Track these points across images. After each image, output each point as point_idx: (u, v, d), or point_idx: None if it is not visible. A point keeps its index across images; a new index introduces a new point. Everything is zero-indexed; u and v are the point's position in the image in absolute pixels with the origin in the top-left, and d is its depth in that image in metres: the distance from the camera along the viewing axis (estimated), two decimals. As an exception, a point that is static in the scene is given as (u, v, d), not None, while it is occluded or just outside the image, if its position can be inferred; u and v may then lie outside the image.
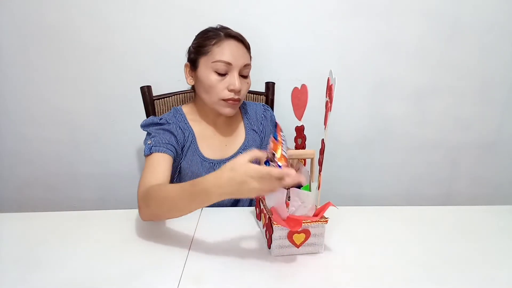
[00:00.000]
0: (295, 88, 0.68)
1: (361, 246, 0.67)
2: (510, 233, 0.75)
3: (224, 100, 0.83)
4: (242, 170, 0.52)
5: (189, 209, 0.63)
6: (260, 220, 0.73)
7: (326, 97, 0.59)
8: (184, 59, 1.25)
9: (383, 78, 1.33)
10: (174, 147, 0.82)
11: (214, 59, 0.81)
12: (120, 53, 1.23)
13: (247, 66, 0.85)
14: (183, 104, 1.06)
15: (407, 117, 1.38)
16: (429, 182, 1.49)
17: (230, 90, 0.82)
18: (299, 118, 0.68)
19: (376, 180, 1.47)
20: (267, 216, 0.64)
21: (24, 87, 1.26)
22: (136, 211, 0.79)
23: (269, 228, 0.64)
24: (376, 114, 1.37)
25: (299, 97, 0.67)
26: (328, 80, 0.59)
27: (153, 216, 0.70)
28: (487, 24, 1.28)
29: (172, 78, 1.25)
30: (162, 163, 0.77)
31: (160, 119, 0.86)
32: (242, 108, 0.99)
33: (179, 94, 1.06)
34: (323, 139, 0.60)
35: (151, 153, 0.79)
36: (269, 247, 0.64)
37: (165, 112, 1.05)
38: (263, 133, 0.99)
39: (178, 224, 0.75)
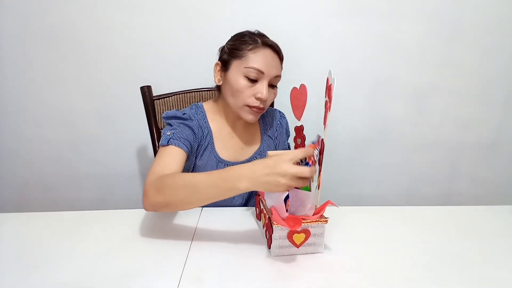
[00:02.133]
0: (294, 88, 0.68)
1: (361, 246, 0.67)
2: (510, 233, 0.75)
3: (248, 106, 0.83)
4: (284, 164, 0.56)
5: (207, 197, 0.62)
6: (260, 220, 0.73)
7: (326, 97, 0.59)
8: (184, 59, 1.27)
9: (383, 78, 1.33)
10: (190, 144, 0.82)
11: (248, 65, 0.80)
12: (120, 53, 1.24)
13: (278, 77, 0.85)
14: (183, 104, 1.06)
15: (407, 117, 1.38)
16: (429, 182, 1.49)
17: (257, 98, 0.82)
18: (298, 118, 0.68)
19: (376, 180, 1.47)
20: (267, 216, 0.64)
21: (24, 87, 1.26)
22: (136, 211, 0.80)
23: (269, 228, 0.64)
24: (376, 114, 1.37)
25: (298, 97, 0.67)
26: (327, 80, 0.59)
27: (160, 205, 0.66)
28: (487, 24, 1.28)
29: (172, 78, 1.25)
30: (176, 156, 0.77)
31: (184, 113, 0.86)
32: None
33: (179, 94, 1.06)
34: (322, 139, 0.60)
35: (168, 144, 0.78)
36: (269, 247, 0.64)
37: (165, 112, 1.04)
38: (277, 139, 1.00)
39: (178, 224, 0.75)
